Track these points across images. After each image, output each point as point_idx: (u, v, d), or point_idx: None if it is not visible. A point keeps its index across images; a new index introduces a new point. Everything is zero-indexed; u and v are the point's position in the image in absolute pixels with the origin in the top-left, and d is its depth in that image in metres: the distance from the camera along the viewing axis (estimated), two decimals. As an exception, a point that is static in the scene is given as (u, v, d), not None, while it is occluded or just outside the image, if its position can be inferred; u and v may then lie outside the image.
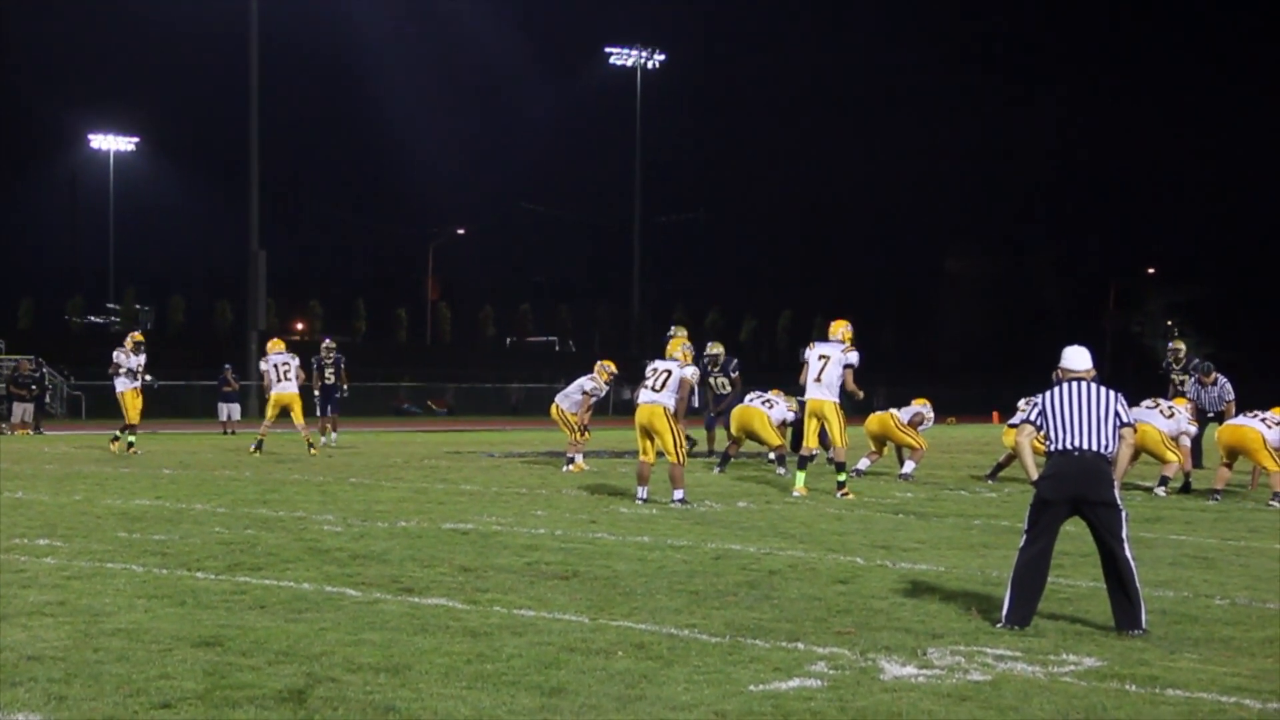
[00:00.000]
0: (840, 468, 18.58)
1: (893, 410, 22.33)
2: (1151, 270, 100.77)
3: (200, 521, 15.06)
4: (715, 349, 25.92)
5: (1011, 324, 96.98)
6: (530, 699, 7.22)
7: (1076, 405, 9.63)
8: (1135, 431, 9.87)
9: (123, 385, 27.18)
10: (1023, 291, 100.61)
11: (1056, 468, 9.50)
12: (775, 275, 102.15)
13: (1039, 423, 9.72)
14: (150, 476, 21.34)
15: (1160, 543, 14.01)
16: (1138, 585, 9.28)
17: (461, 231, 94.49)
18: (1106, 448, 9.51)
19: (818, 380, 18.74)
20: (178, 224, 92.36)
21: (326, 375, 31.32)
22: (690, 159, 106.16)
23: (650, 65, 77.49)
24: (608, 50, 78.04)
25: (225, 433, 39.42)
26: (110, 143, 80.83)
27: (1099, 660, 8.25)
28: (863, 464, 21.85)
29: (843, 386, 18.63)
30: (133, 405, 27.26)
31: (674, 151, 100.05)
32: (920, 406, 22.39)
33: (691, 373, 17.60)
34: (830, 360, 18.69)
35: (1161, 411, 20.13)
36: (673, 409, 17.21)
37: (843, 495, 18.12)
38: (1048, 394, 9.83)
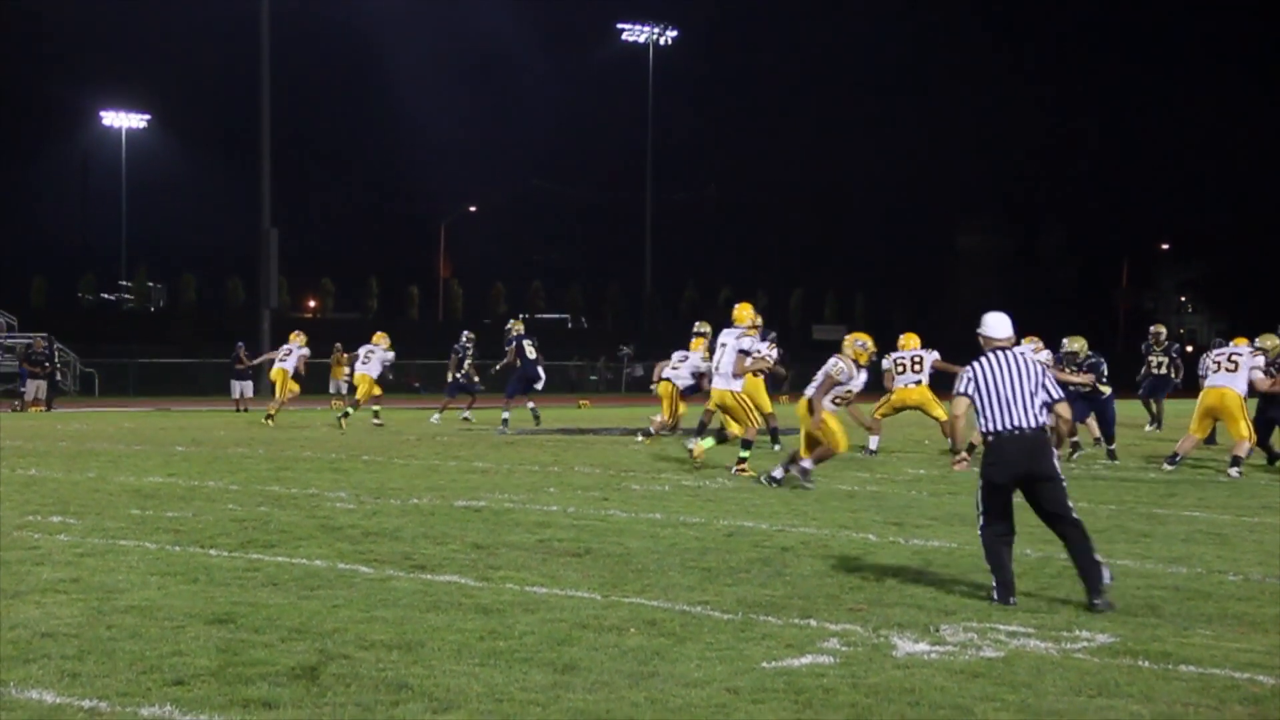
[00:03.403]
0: (746, 445, 18.47)
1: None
2: (1165, 246, 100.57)
3: (213, 499, 15.08)
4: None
5: (1023, 301, 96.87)
6: (542, 676, 7.22)
7: (1009, 379, 9.49)
8: (1065, 405, 9.72)
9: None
10: (1034, 268, 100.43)
11: (1001, 451, 9.40)
12: (786, 253, 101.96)
13: (973, 394, 9.57)
14: (163, 454, 21.38)
15: (1173, 519, 14.00)
16: (1091, 551, 9.31)
17: (473, 209, 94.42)
18: (1041, 421, 9.44)
19: (717, 369, 18.86)
20: (190, 202, 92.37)
21: (465, 366, 33.34)
22: (702, 136, 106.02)
23: (663, 42, 77.32)
24: (620, 26, 77.87)
25: (238, 410, 39.47)
26: (122, 120, 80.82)
27: (1112, 636, 8.24)
28: (872, 443, 21.79)
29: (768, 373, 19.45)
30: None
31: (686, 129, 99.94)
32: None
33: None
34: (727, 348, 18.67)
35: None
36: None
37: (737, 471, 18.05)
38: (979, 366, 9.63)
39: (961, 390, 9.69)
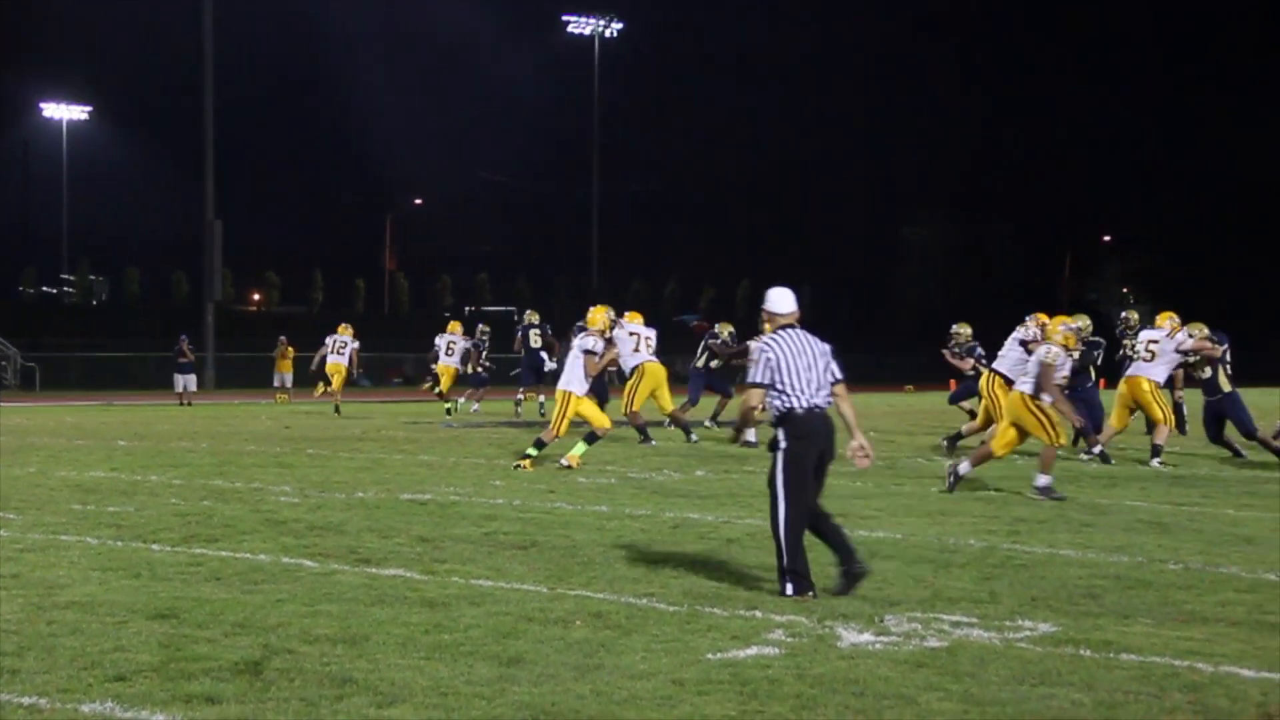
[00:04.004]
0: (539, 445, 18.23)
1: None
2: (1108, 238, 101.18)
3: (156, 493, 15.00)
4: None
5: (968, 292, 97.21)
6: (488, 669, 7.21)
7: (805, 356, 9.44)
8: (844, 386, 9.72)
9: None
10: (980, 259, 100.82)
11: (806, 428, 9.34)
12: (733, 245, 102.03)
13: (771, 379, 9.41)
14: (105, 448, 21.23)
15: (1115, 509, 14.11)
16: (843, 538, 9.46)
17: (419, 202, 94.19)
18: (829, 401, 9.48)
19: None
20: (132, 194, 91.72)
21: (482, 358, 33.10)
22: (649, 128, 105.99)
23: (608, 34, 77.25)
24: (566, 18, 77.75)
25: (181, 404, 39.22)
26: (63, 112, 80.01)
27: (1054, 626, 8.30)
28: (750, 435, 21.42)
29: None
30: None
31: (632, 121, 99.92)
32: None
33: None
34: (573, 350, 18.74)
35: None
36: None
37: (517, 467, 17.97)
38: (773, 345, 9.49)
39: (759, 379, 9.47)
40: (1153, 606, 8.94)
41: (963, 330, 25.31)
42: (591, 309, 19.29)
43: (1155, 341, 19.78)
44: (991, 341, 22.01)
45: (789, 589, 9.16)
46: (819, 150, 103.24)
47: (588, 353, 18.32)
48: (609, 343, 19.00)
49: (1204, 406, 20.11)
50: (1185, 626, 8.33)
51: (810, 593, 9.12)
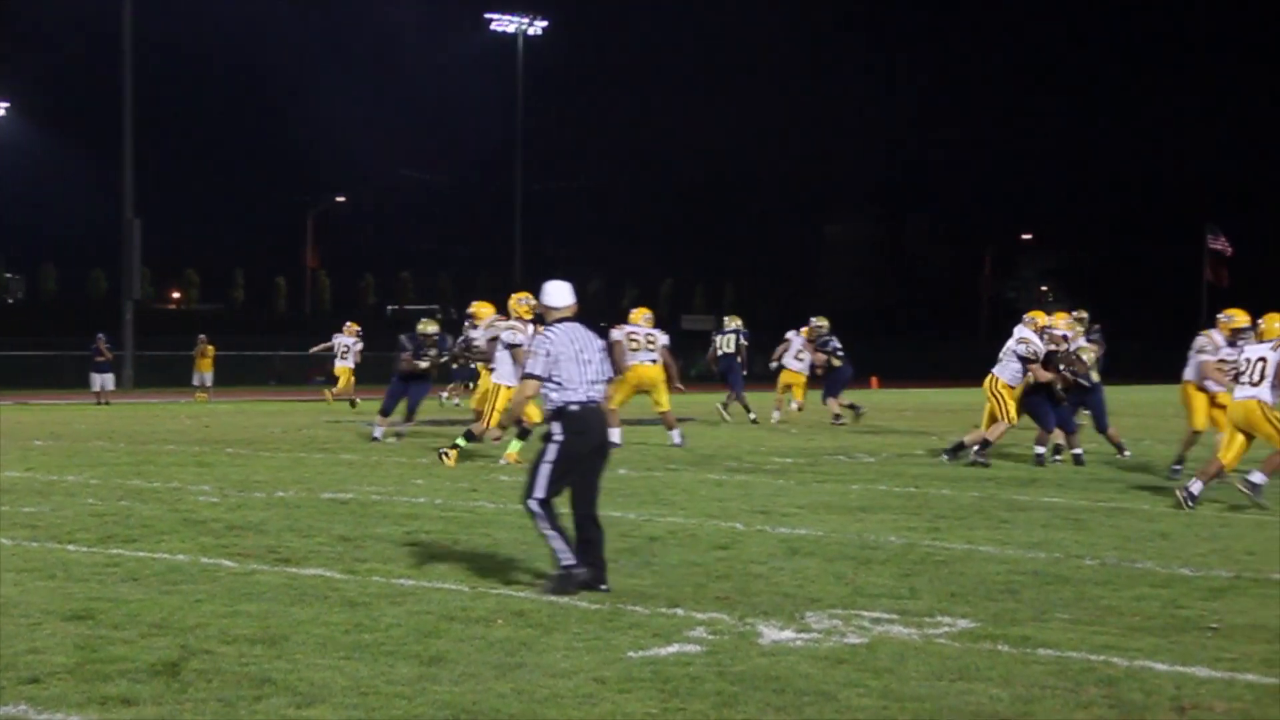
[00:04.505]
0: (470, 438, 18.42)
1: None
2: (1026, 236, 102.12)
3: (72, 493, 14.84)
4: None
5: (890, 290, 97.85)
6: (409, 668, 7.19)
7: (582, 349, 9.41)
8: (610, 386, 9.76)
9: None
10: (901, 258, 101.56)
11: (583, 422, 9.32)
12: (656, 243, 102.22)
13: (548, 372, 9.35)
14: (20, 448, 20.99)
15: (1033, 505, 14.23)
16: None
17: (341, 199, 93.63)
18: (604, 396, 9.50)
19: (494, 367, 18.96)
20: (49, 191, 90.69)
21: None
22: (572, 126, 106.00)
23: (532, 31, 77.06)
24: (488, 16, 77.52)
25: (99, 403, 38.84)
26: (-21, 108, 79.03)
27: (973, 621, 8.36)
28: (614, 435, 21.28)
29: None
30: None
31: (556, 118, 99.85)
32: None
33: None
34: (499, 345, 18.88)
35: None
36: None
37: (443, 457, 18.11)
38: (551, 338, 9.44)
39: (536, 371, 9.41)
40: (1070, 602, 9.02)
41: (822, 323, 26.40)
42: (513, 298, 19.21)
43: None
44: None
45: (566, 559, 9.23)
46: (743, 149, 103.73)
47: (511, 346, 18.26)
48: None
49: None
50: (1101, 621, 8.41)
51: (601, 586, 9.21)
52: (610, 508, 13.65)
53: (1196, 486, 13.99)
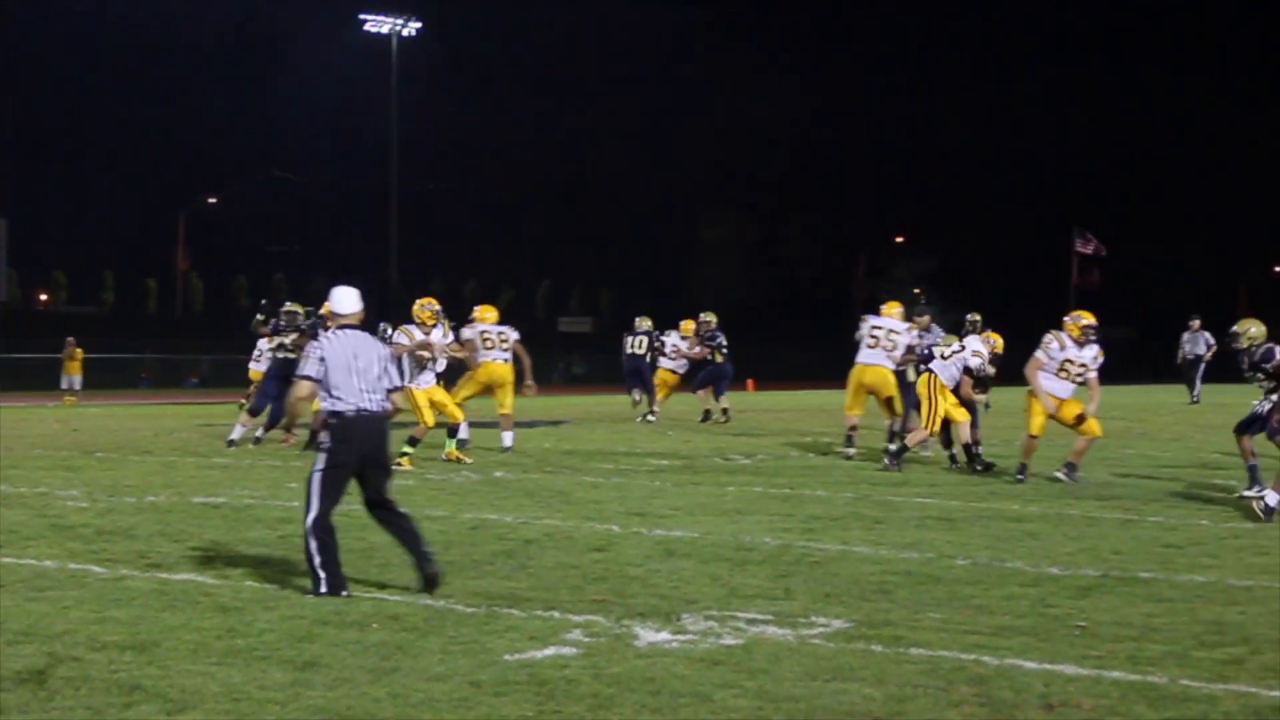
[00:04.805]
0: (413, 442, 18.52)
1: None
2: (899, 239, 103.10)
3: (-64, 499, 14.54)
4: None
5: (766, 293, 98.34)
6: (282, 674, 7.13)
7: (358, 358, 9.39)
8: (400, 395, 9.77)
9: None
10: (777, 260, 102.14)
11: (350, 431, 9.29)
12: (533, 245, 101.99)
13: (322, 375, 9.35)
14: (-117, 453, 20.52)
15: (906, 506, 14.37)
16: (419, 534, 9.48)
17: (213, 200, 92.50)
18: (384, 405, 9.47)
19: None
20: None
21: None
22: (449, 127, 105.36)
23: (405, 32, 76.65)
24: (362, 17, 76.99)
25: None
26: None
27: (847, 622, 8.44)
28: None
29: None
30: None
31: (432, 120, 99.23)
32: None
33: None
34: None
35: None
36: None
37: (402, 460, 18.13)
38: (326, 344, 9.44)
39: (309, 373, 9.40)
40: (941, 601, 9.13)
41: (709, 318, 27.39)
42: (418, 303, 19.49)
43: (896, 332, 19.86)
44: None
45: (323, 588, 9.09)
46: (619, 151, 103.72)
47: (400, 345, 18.54)
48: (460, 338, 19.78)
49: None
50: (972, 620, 8.53)
51: (344, 591, 9.09)
52: (486, 510, 13.65)
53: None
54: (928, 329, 23.31)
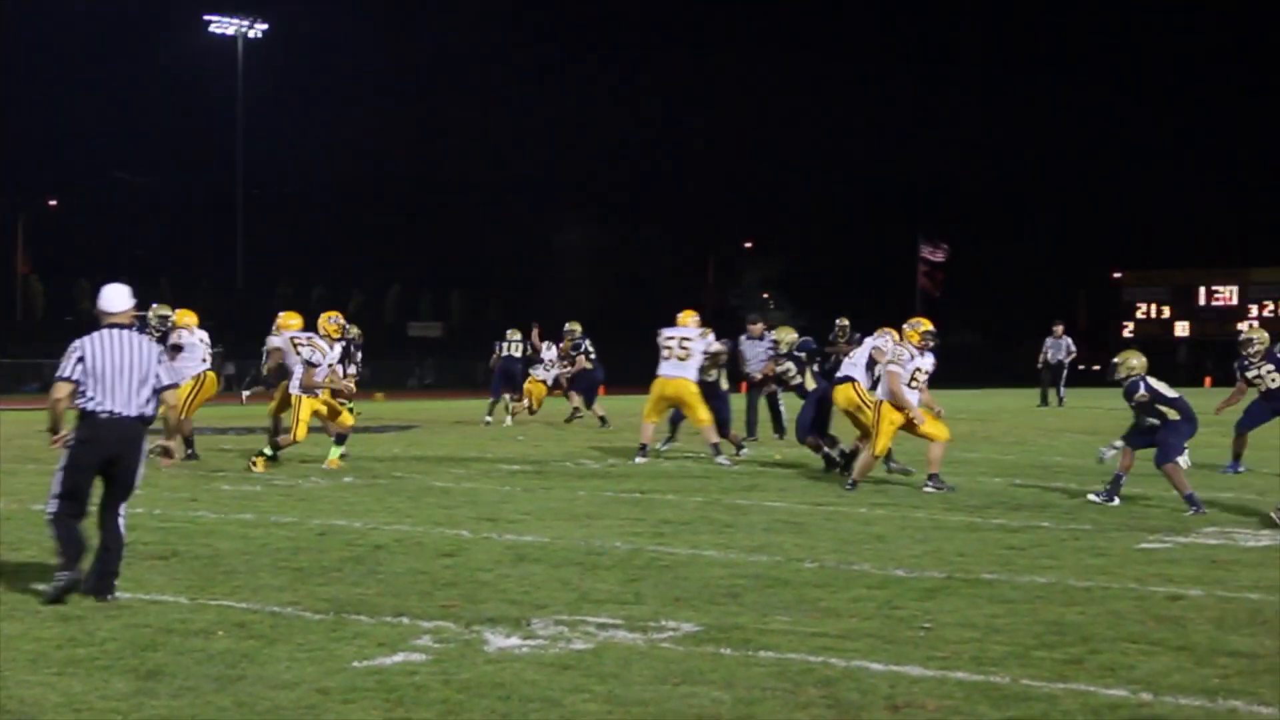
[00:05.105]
0: (276, 449, 18.65)
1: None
2: (748, 244, 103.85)
3: None
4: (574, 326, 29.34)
5: (617, 298, 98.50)
6: (125, 683, 7.01)
7: (119, 360, 9.27)
8: (174, 392, 9.66)
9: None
10: (629, 264, 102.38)
11: (94, 432, 9.20)
12: (383, 249, 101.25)
13: (77, 377, 9.22)
14: None
15: (755, 509, 14.47)
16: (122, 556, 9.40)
17: (54, 203, 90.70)
18: (146, 410, 9.38)
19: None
20: None
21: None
22: (296, 130, 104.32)
23: (251, 34, 75.84)
24: (208, 18, 76.05)
25: None
26: None
27: (697, 625, 8.48)
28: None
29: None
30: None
31: (279, 122, 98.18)
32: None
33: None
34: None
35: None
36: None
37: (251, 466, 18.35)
38: (89, 343, 9.31)
39: (66, 375, 9.26)
40: (790, 604, 9.21)
41: (574, 327, 28.11)
42: (321, 317, 19.53)
43: (689, 340, 19.92)
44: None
45: (60, 580, 9.03)
46: (471, 156, 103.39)
47: (308, 363, 18.57)
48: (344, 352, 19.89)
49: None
50: (820, 623, 8.61)
51: (71, 573, 9.03)
52: (335, 516, 13.53)
53: None
54: (761, 336, 23.65)
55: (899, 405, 16.39)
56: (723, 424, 20.42)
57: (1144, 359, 15.48)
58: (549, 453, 21.65)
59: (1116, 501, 14.86)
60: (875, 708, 6.78)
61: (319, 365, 18.60)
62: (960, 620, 8.73)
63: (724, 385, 21.00)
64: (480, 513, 13.98)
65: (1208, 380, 59.14)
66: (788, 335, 19.69)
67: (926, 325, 16.95)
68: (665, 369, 19.87)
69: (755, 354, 23.42)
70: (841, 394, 18.15)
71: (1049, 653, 7.87)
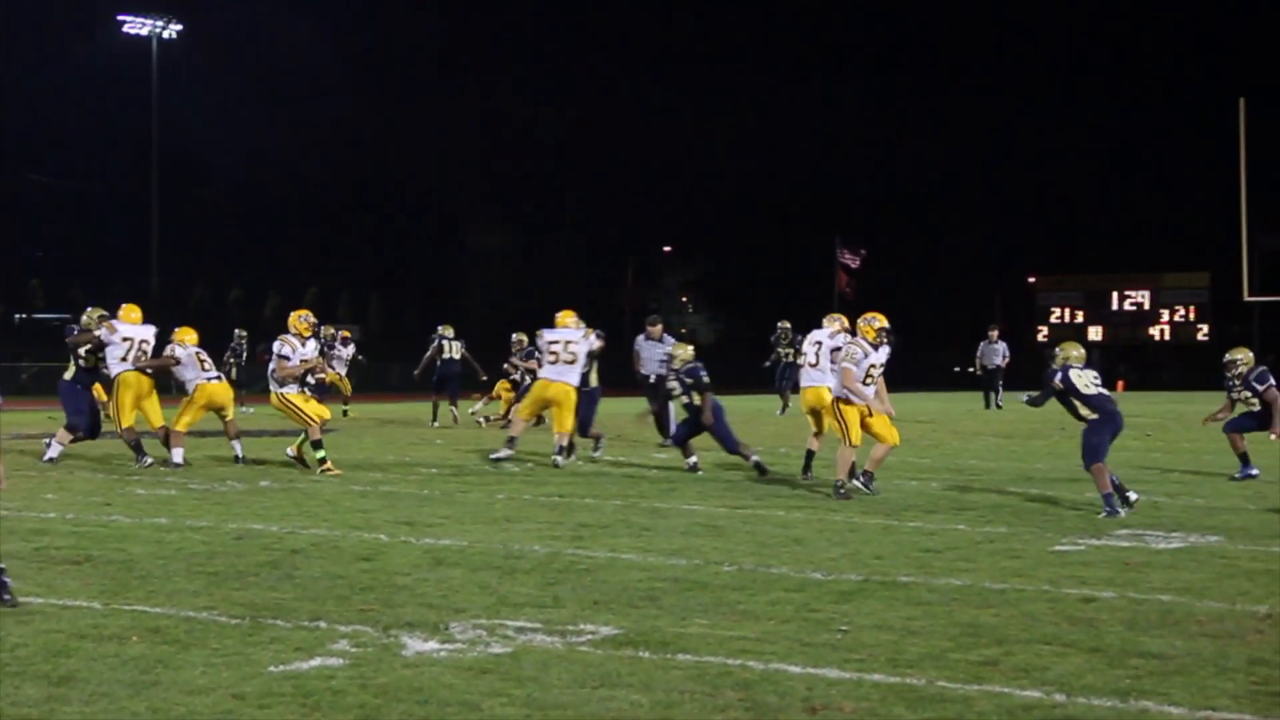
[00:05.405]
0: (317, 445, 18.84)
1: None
2: (667, 248, 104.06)
3: None
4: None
5: (535, 302, 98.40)
6: (36, 689, 6.93)
7: None
8: None
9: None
10: (547, 267, 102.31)
11: None
12: (300, 251, 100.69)
13: None
14: None
15: (673, 513, 14.50)
16: None
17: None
18: None
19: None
20: None
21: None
22: (213, 131, 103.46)
23: (166, 35, 75.04)
24: (121, 18, 75.18)
25: None
26: None
27: (615, 629, 8.49)
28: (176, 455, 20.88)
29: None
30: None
31: (196, 124, 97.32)
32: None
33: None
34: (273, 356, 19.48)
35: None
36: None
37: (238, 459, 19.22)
38: None
39: None
40: (708, 607, 9.24)
41: (521, 337, 28.93)
42: (292, 315, 19.58)
43: (574, 343, 20.12)
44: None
45: None
46: (387, 158, 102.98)
47: (280, 356, 18.88)
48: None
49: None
50: (738, 626, 8.64)
51: None
52: (251, 520, 13.45)
53: None
54: (660, 338, 23.76)
55: (854, 399, 16.42)
56: (583, 423, 20.61)
57: (1083, 351, 15.73)
58: (467, 456, 21.59)
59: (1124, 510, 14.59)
60: (793, 710, 6.80)
61: (290, 359, 18.87)
62: (877, 622, 8.78)
63: (594, 382, 21.02)
64: (398, 516, 13.93)
65: (1120, 384, 59.78)
66: (682, 352, 19.55)
67: (882, 321, 16.81)
68: (548, 372, 20.09)
69: (652, 355, 23.56)
70: (813, 394, 18.11)
71: (964, 654, 7.94)
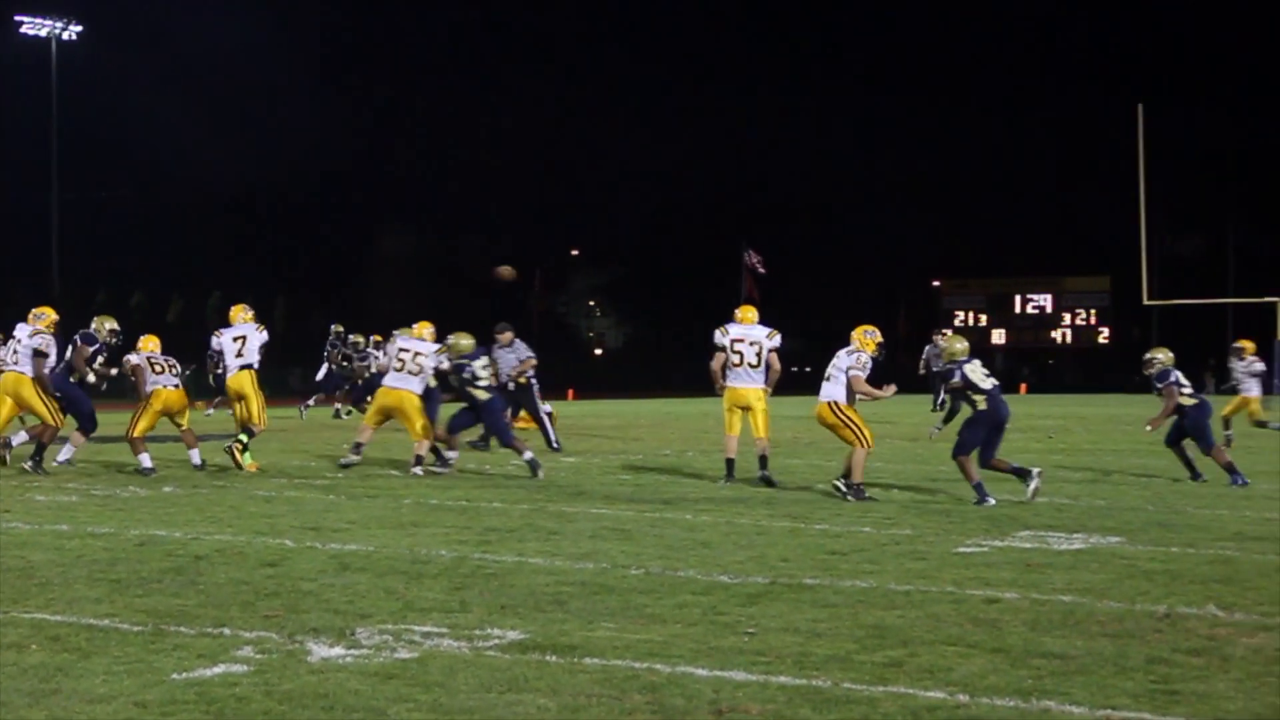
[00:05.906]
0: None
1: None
2: (575, 252, 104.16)
3: None
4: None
5: (446, 304, 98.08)
6: (-67, 700, 6.83)
7: None
8: None
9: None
10: (453, 272, 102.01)
11: None
12: (203, 255, 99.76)
13: None
14: None
15: (581, 516, 14.51)
16: None
17: None
18: None
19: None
20: None
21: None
22: (115, 134, 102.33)
23: (66, 36, 74.08)
24: (19, 19, 74.15)
25: None
26: None
27: (522, 633, 8.48)
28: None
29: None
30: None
31: (97, 126, 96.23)
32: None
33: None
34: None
35: None
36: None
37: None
38: None
39: None
40: (615, 611, 9.24)
41: (339, 328, 31.11)
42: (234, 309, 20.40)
43: (423, 355, 20.11)
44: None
45: None
46: (290, 159, 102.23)
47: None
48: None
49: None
50: (646, 629, 8.65)
51: None
52: (154, 526, 13.31)
53: None
54: (511, 344, 23.91)
55: (869, 396, 16.70)
56: (501, 432, 20.62)
57: (967, 344, 16.06)
58: (373, 461, 21.46)
59: (992, 501, 15.58)
60: (700, 713, 6.82)
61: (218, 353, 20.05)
62: (783, 625, 8.82)
63: (432, 383, 21.02)
64: (303, 521, 13.84)
65: (1023, 387, 60.45)
66: (458, 343, 20.18)
67: (879, 336, 17.13)
68: (391, 379, 20.09)
69: (507, 362, 23.70)
70: (822, 412, 17.40)
71: (870, 656, 8.00)
